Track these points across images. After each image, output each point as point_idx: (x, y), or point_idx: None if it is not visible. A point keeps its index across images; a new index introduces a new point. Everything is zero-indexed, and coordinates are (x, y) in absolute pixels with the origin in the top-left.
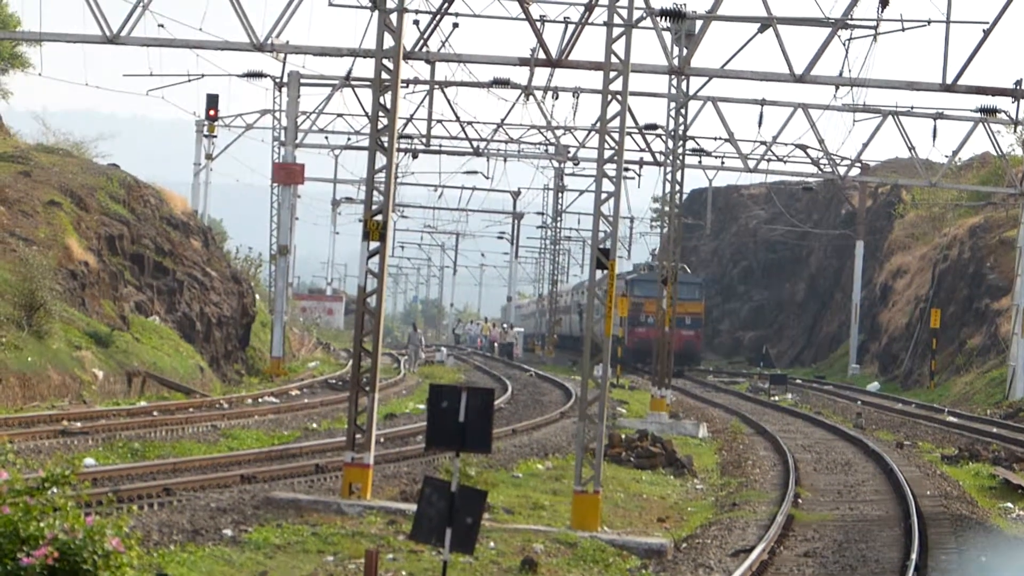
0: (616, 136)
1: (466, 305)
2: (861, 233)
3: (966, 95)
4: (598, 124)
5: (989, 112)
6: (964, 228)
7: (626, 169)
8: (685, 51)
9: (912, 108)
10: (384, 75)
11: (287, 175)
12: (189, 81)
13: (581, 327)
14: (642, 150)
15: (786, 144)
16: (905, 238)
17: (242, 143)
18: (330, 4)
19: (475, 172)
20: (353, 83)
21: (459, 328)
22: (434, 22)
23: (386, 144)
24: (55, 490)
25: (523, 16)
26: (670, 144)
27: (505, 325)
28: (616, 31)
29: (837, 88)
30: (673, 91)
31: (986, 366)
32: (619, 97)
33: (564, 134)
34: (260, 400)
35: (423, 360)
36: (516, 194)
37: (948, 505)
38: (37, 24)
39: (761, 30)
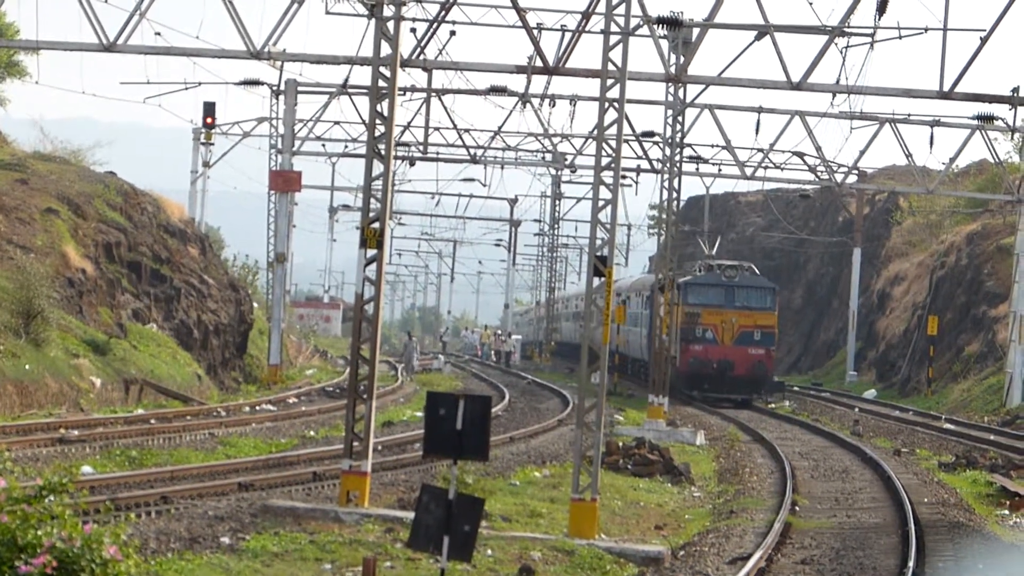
0: (613, 143)
1: (463, 312)
2: (858, 240)
3: (963, 102)
4: (595, 131)
5: (986, 119)
6: (961, 235)
7: (623, 176)
8: (682, 59)
9: (909, 115)
10: (381, 83)
11: (284, 183)
12: (186, 89)
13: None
14: (639, 157)
15: (783, 151)
16: (902, 245)
17: (239, 151)
18: (327, 12)
19: (472, 180)
20: (350, 91)
21: (446, 335)
22: (431, 30)
23: (383, 152)
24: (52, 498)
25: (520, 24)
26: (667, 151)
27: (499, 333)
28: (613, 39)
29: (834, 96)
30: (670, 99)
31: (983, 373)
32: (616, 105)
33: (561, 141)
34: (257, 408)
35: (417, 369)
36: (513, 201)
37: (945, 512)
38: (34, 32)
39: (758, 38)
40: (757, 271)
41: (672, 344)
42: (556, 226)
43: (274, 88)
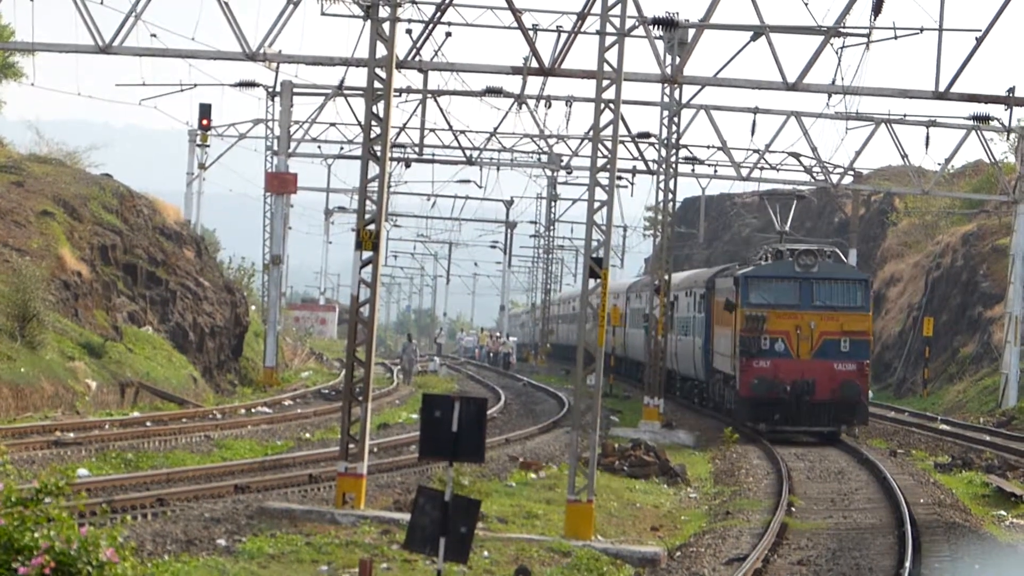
0: (609, 144)
1: (459, 314)
2: (854, 241)
3: (959, 103)
4: (591, 133)
5: (982, 119)
6: (957, 236)
7: (619, 178)
8: (678, 59)
9: (905, 116)
10: (377, 84)
11: (280, 184)
12: (182, 91)
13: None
14: (635, 158)
15: (779, 152)
16: (898, 246)
17: (235, 153)
18: (323, 13)
19: (468, 181)
20: (346, 92)
21: (441, 337)
22: (427, 31)
23: (379, 153)
24: (49, 500)
25: (516, 25)
26: (663, 152)
27: (497, 335)
28: (609, 40)
29: (830, 96)
30: (666, 99)
31: (979, 374)
32: (612, 106)
33: (557, 143)
34: (253, 410)
35: (418, 371)
36: (509, 203)
37: (942, 513)
38: (30, 34)
39: (754, 38)
40: (844, 257)
41: (732, 360)
42: (552, 228)
43: (270, 90)
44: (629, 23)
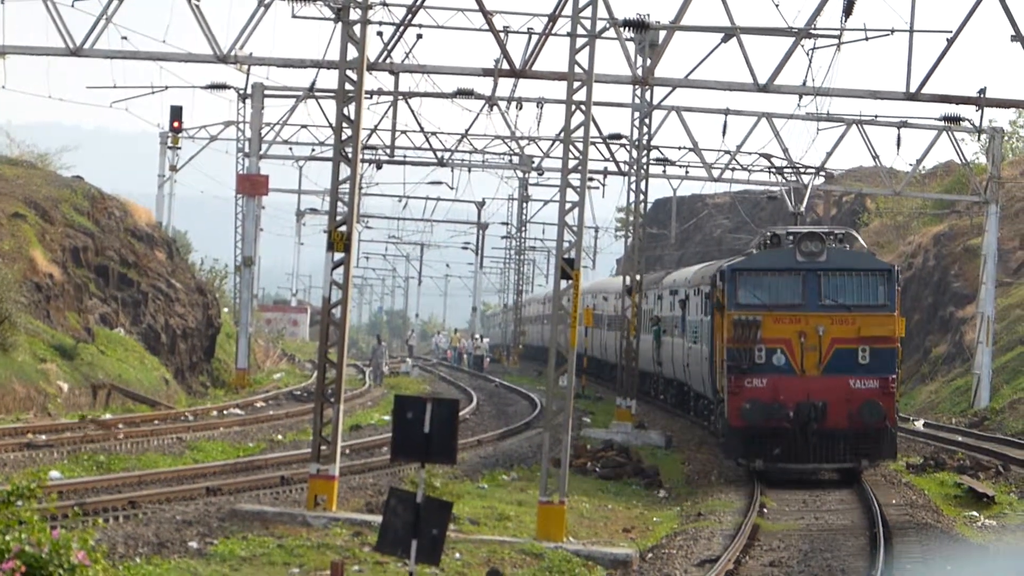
0: (580, 146)
1: (431, 315)
2: None
3: (930, 104)
4: (562, 134)
5: (953, 120)
6: (928, 236)
7: (590, 179)
8: (649, 61)
9: (876, 117)
10: (348, 86)
11: (251, 186)
12: (153, 93)
13: (659, 352)
14: (606, 160)
15: (750, 153)
16: (870, 246)
17: (206, 155)
18: (293, 16)
19: (440, 183)
20: (317, 94)
21: (412, 339)
22: (398, 33)
23: (350, 155)
24: (21, 503)
25: (487, 27)
26: (634, 154)
27: (475, 336)
28: (580, 42)
29: (801, 97)
30: (637, 101)
31: (951, 375)
32: (583, 107)
33: (528, 144)
34: (225, 412)
35: (386, 373)
36: (481, 204)
37: (913, 514)
38: (0, 37)
39: (725, 40)
40: (864, 244)
41: (718, 376)
42: (523, 229)
43: (241, 92)
44: (600, 25)
